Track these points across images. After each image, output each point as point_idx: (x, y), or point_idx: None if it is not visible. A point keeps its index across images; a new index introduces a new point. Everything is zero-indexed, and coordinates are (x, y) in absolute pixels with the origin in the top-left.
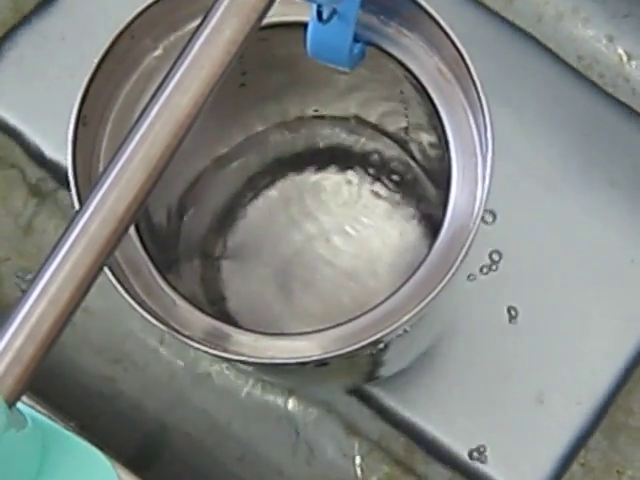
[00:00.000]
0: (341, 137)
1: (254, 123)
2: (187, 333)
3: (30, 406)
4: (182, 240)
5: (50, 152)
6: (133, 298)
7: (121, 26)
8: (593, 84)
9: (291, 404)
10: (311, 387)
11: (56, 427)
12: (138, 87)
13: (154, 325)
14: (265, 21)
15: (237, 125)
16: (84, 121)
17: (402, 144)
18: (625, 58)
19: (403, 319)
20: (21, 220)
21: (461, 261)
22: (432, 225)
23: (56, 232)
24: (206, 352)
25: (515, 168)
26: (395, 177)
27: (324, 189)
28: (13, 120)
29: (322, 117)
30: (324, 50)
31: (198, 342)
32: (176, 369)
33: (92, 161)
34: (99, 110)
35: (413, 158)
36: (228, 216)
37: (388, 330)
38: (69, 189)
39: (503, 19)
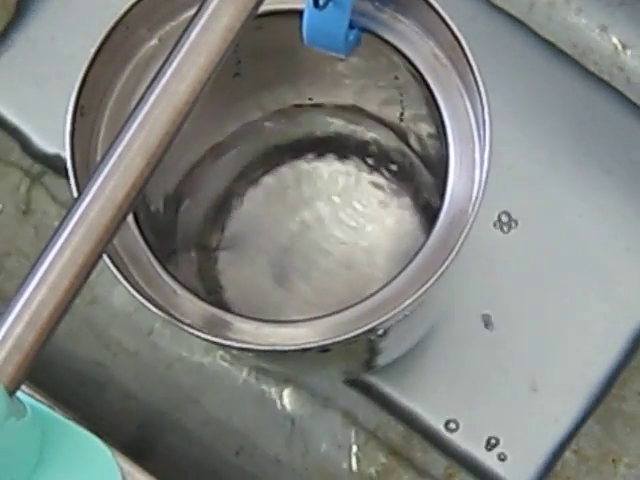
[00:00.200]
0: (336, 125)
1: (249, 112)
2: (188, 321)
3: (29, 395)
4: (179, 231)
5: (46, 147)
6: (133, 287)
7: (116, 16)
8: (588, 72)
9: (287, 394)
10: (309, 375)
11: (55, 416)
12: (134, 77)
13: (155, 313)
14: (260, 9)
15: (232, 114)
16: (82, 111)
17: (398, 131)
18: (620, 47)
19: (404, 303)
20: (19, 213)
21: (460, 246)
22: (429, 213)
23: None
24: (208, 340)
25: (508, 156)
26: (391, 165)
27: (320, 178)
28: (8, 116)
29: (317, 105)
30: (320, 37)
31: (199, 330)
32: (171, 359)
33: (90, 151)
34: (96, 100)
35: (409, 145)
36: (224, 206)
37: (390, 314)
38: (66, 179)
39: (496, 7)
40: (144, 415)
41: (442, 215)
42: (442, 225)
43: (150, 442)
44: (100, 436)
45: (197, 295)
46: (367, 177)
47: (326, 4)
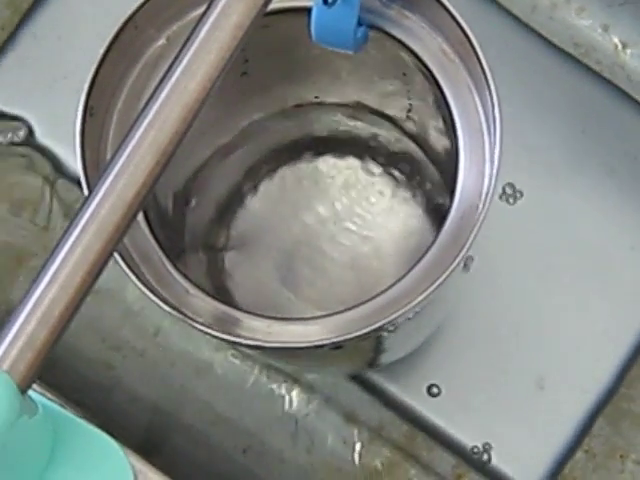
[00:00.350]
0: (342, 123)
1: (256, 111)
2: (201, 320)
3: (40, 394)
4: (187, 231)
5: (54, 147)
6: (145, 285)
7: (125, 17)
8: (590, 70)
9: (292, 392)
10: (315, 372)
11: (67, 414)
12: (143, 77)
13: (167, 312)
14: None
15: (239, 113)
16: (91, 112)
17: (404, 128)
18: (620, 47)
19: (417, 299)
20: (26, 214)
21: (472, 242)
22: (436, 208)
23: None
24: (220, 338)
25: (511, 155)
26: (398, 162)
27: (326, 175)
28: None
29: (323, 103)
30: (329, 34)
31: (212, 329)
32: (177, 358)
33: (100, 150)
34: (105, 101)
35: (416, 142)
36: (230, 206)
37: (402, 311)
38: (73, 179)
39: (498, 7)
40: (151, 415)
41: (453, 211)
42: (453, 221)
43: (157, 442)
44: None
45: (209, 294)
46: (373, 174)
47: (335, 1)
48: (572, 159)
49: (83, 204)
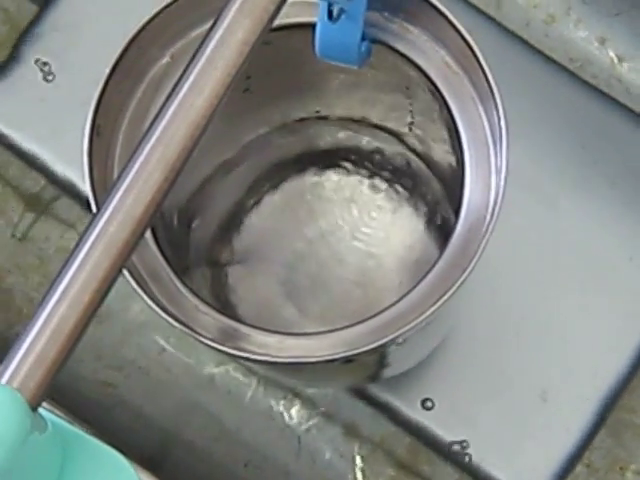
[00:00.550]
0: (345, 137)
1: (257, 127)
2: (212, 337)
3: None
4: (192, 247)
5: (51, 164)
6: (156, 303)
7: (129, 36)
8: (587, 84)
9: (294, 408)
10: (319, 386)
11: (76, 431)
12: (147, 95)
13: (178, 329)
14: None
15: (241, 129)
16: (98, 131)
17: (406, 142)
18: (616, 60)
19: (429, 311)
20: (18, 232)
21: (481, 254)
22: (439, 221)
23: (55, 241)
24: (232, 355)
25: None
26: (400, 175)
27: (328, 190)
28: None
29: (324, 118)
30: (333, 50)
31: (224, 345)
32: (178, 374)
33: (107, 170)
34: (111, 120)
35: (418, 155)
36: (233, 221)
37: (415, 322)
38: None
39: (493, 21)
40: (153, 431)
41: (459, 223)
42: (460, 233)
43: (159, 458)
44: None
45: (219, 310)
46: (376, 188)
47: (339, 16)
48: (571, 172)
49: (92, 221)
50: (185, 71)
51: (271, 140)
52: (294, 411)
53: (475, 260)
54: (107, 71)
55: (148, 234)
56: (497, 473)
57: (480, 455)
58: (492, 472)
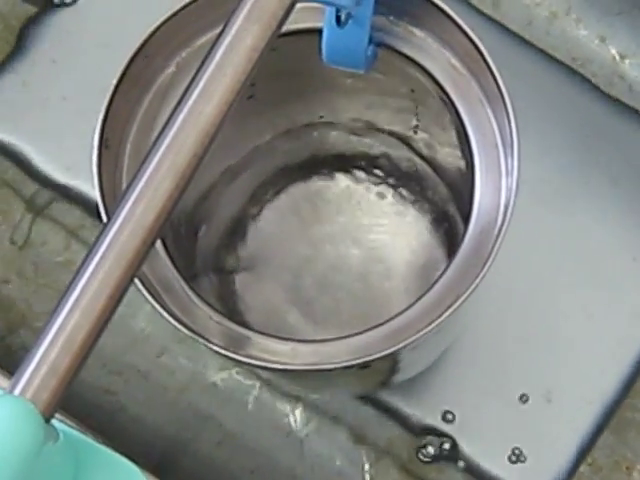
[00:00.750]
0: (349, 141)
1: (262, 133)
2: (225, 346)
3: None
4: (199, 255)
5: (49, 170)
6: (169, 313)
7: (135, 47)
8: (589, 83)
9: (299, 412)
10: (327, 393)
11: (88, 441)
12: (154, 105)
13: (184, 336)
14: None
15: (245, 136)
16: (106, 144)
17: (411, 145)
18: (618, 57)
19: (445, 314)
20: (18, 237)
21: (495, 255)
22: (445, 224)
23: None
24: (248, 364)
25: None
26: (405, 178)
27: (333, 195)
28: (10, 141)
29: (329, 123)
30: (340, 55)
31: (238, 354)
32: (181, 379)
33: (115, 180)
34: (119, 131)
35: (423, 158)
36: (239, 228)
37: (432, 326)
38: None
39: (493, 21)
40: (156, 437)
41: (471, 225)
42: (472, 235)
43: (164, 464)
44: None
45: (231, 319)
46: (380, 192)
47: (347, 21)
48: (573, 171)
49: (103, 230)
50: (194, 78)
51: (276, 146)
52: (299, 415)
53: (490, 262)
54: (114, 82)
55: (158, 244)
56: (503, 474)
57: (485, 456)
58: (498, 473)
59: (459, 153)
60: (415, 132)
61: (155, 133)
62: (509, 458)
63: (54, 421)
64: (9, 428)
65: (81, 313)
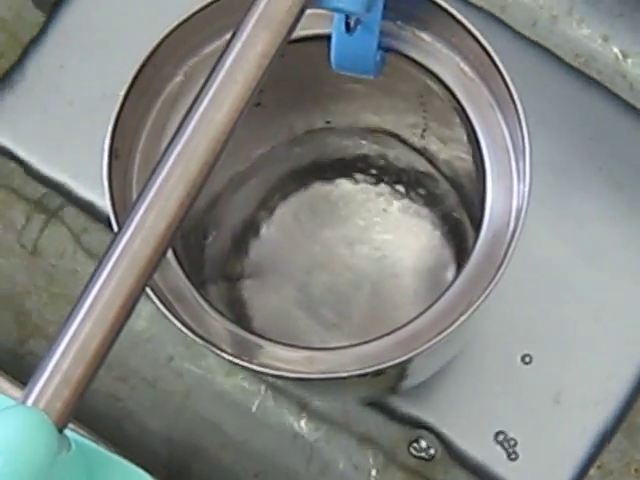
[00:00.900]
0: (355, 146)
1: (268, 139)
2: (235, 353)
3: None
4: (207, 263)
5: (55, 175)
6: (183, 323)
7: (144, 56)
8: (592, 80)
9: (304, 416)
10: (335, 399)
11: (100, 450)
12: (163, 115)
13: (210, 350)
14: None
15: (252, 143)
16: (116, 154)
17: (418, 148)
18: (621, 56)
19: (460, 320)
20: (27, 243)
21: (509, 259)
22: (452, 227)
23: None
24: (265, 373)
25: None
26: (411, 182)
27: (339, 199)
28: (17, 147)
29: (335, 128)
30: (349, 61)
31: (251, 363)
32: (187, 385)
33: (125, 190)
34: (128, 141)
35: (430, 161)
36: (246, 235)
37: (446, 333)
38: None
39: (499, 21)
40: (161, 443)
41: (483, 230)
42: (485, 240)
43: (169, 470)
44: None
45: (246, 329)
46: (386, 195)
47: (356, 27)
48: (575, 173)
49: (114, 238)
50: (204, 85)
51: (282, 152)
52: (304, 420)
53: (503, 268)
54: (123, 92)
55: (169, 252)
56: (509, 476)
57: (491, 458)
58: (505, 476)
59: (468, 157)
60: (422, 136)
61: (164, 142)
62: (514, 461)
63: (66, 430)
64: (23, 439)
65: (94, 322)
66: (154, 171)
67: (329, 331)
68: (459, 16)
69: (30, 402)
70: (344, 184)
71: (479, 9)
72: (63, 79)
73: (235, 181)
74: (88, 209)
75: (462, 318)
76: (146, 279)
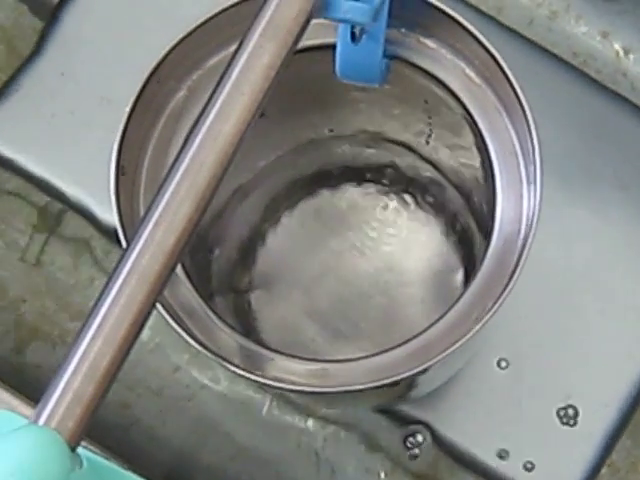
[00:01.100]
0: (360, 153)
1: (271, 150)
2: (247, 367)
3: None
4: (214, 276)
5: (58, 183)
6: (195, 340)
7: (147, 71)
8: (593, 80)
9: (310, 420)
10: (345, 409)
11: (111, 466)
12: (168, 130)
13: (223, 366)
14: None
15: (256, 154)
16: (123, 171)
17: (422, 154)
18: (622, 53)
19: (475, 327)
20: (29, 255)
21: (523, 265)
22: (458, 233)
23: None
24: (280, 388)
25: None
26: (417, 188)
27: (344, 207)
28: (18, 156)
29: (338, 136)
30: (354, 70)
31: (266, 378)
32: (193, 392)
33: (133, 205)
34: (134, 157)
35: (435, 167)
36: (252, 246)
37: (461, 342)
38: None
39: (495, 21)
40: (169, 451)
41: (494, 235)
42: (496, 246)
43: (176, 478)
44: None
45: (259, 343)
46: (393, 202)
47: (361, 37)
48: (580, 172)
49: (123, 254)
50: (211, 98)
51: (285, 161)
52: (312, 425)
53: (516, 275)
54: (127, 109)
55: (178, 267)
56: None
57: (501, 462)
58: (514, 478)
59: (475, 163)
60: (427, 142)
61: (170, 157)
62: (524, 465)
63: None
64: (36, 459)
65: (104, 340)
66: (162, 185)
67: (338, 340)
68: (464, 22)
69: (42, 421)
70: (351, 192)
71: (475, 9)
72: (64, 87)
73: (240, 192)
74: (90, 217)
75: (477, 327)
76: (156, 295)
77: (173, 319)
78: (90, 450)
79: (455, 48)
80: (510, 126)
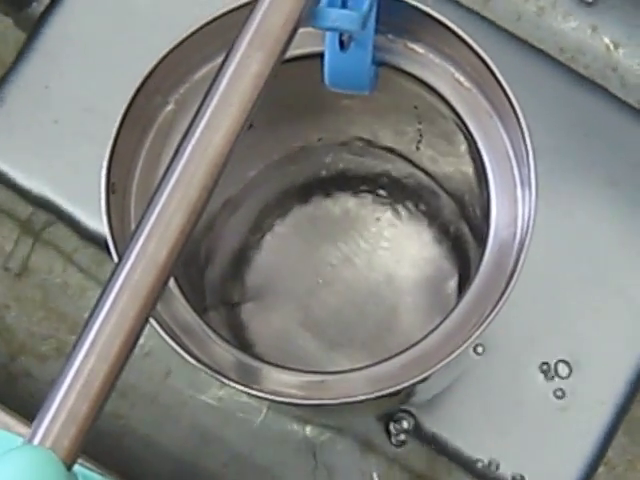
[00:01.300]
0: (350, 161)
1: (260, 160)
2: (243, 381)
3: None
4: (207, 289)
5: (43, 192)
6: (192, 356)
7: (134, 87)
8: (582, 76)
9: (307, 424)
10: (345, 419)
11: None
12: (156, 144)
13: (220, 381)
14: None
15: (245, 165)
16: (113, 189)
17: (413, 160)
18: (612, 47)
19: (476, 333)
20: (15, 262)
21: (521, 269)
22: (451, 238)
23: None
24: (279, 402)
25: None
26: (409, 194)
27: (335, 215)
28: (3, 165)
29: (328, 145)
30: (343, 78)
31: (271, 393)
32: (187, 399)
33: (124, 223)
34: (124, 174)
35: (426, 172)
36: (243, 258)
37: (461, 349)
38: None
39: (483, 18)
40: (164, 459)
41: (490, 239)
42: (492, 250)
43: None
44: None
45: (257, 357)
46: (384, 209)
47: (349, 45)
48: (571, 169)
49: (115, 269)
50: (200, 109)
51: (275, 172)
52: (307, 430)
53: (515, 278)
54: (116, 125)
55: (171, 281)
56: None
57: (497, 462)
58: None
59: (468, 168)
60: (418, 148)
61: (160, 171)
62: (519, 466)
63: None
64: (32, 479)
65: (97, 357)
66: (153, 198)
67: (334, 351)
68: (453, 26)
69: (37, 441)
70: (344, 201)
71: (460, 5)
72: (48, 98)
73: (230, 204)
74: (76, 226)
75: (477, 332)
76: (149, 310)
77: (169, 335)
78: (85, 467)
79: (444, 52)
80: (502, 130)
